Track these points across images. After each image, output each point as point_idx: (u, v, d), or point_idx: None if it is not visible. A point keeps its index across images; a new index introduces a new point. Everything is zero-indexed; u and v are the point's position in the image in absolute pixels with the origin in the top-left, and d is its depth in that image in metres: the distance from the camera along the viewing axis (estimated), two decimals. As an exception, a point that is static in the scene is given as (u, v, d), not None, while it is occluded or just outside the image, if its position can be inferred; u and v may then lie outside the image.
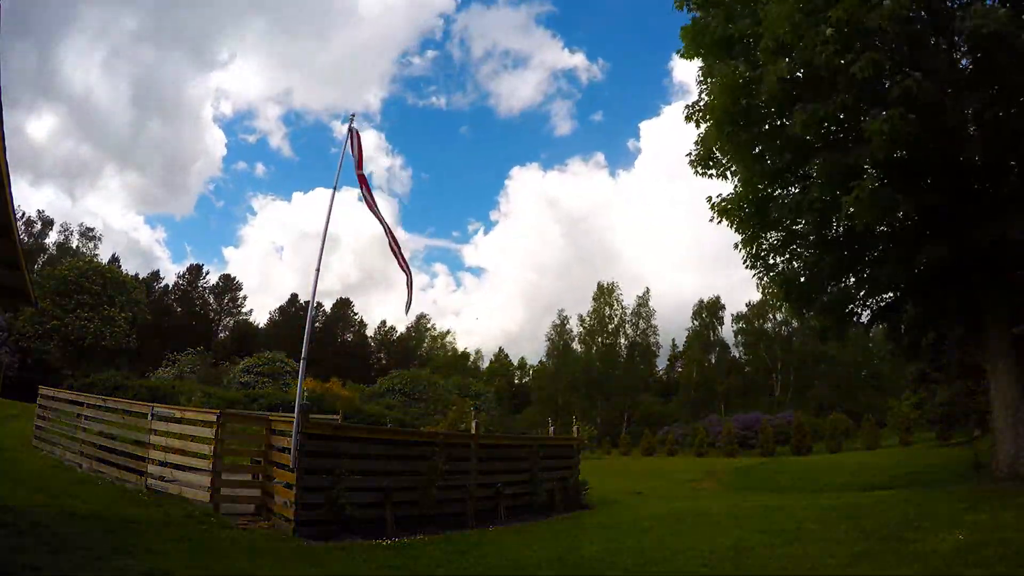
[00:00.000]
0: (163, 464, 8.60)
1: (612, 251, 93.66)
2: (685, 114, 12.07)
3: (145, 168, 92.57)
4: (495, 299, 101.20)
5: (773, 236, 12.34)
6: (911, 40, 9.22)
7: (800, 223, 11.63)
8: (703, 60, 11.81)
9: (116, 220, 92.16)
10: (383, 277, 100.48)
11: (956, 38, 9.61)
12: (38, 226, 53.82)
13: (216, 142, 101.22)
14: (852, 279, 12.35)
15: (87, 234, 56.27)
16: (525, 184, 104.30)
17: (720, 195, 12.14)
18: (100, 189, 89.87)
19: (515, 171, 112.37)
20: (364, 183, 9.15)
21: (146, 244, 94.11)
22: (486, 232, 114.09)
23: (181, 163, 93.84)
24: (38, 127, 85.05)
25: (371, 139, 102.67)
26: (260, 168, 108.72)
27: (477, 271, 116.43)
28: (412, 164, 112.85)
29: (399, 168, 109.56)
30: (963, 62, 10.03)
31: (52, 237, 54.84)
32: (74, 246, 54.16)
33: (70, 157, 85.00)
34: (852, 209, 8.90)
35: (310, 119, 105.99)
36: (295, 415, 7.46)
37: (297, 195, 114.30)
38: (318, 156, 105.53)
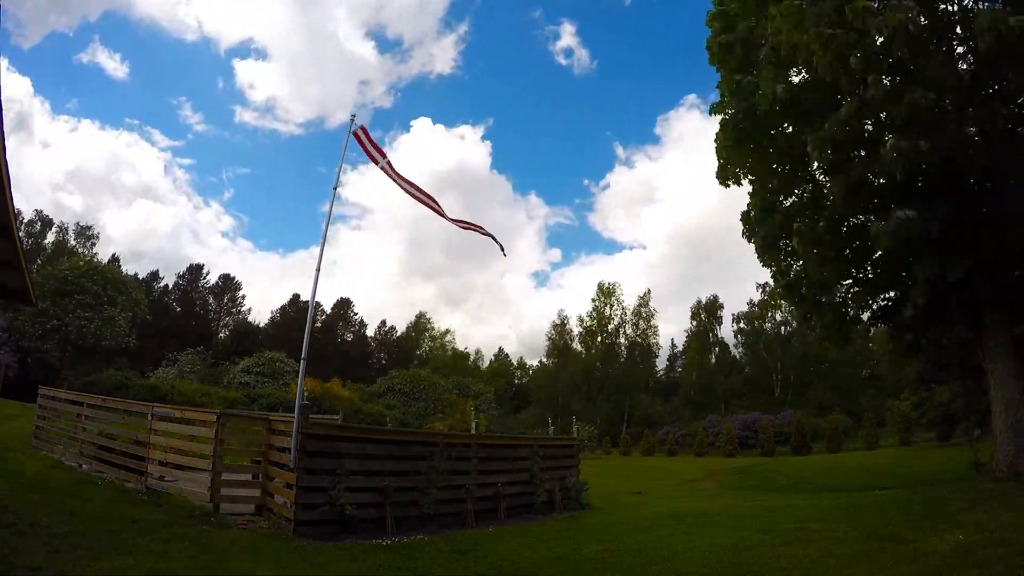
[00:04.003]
0: (163, 464, 8.61)
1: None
2: (710, 108, 12.39)
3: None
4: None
5: (789, 244, 12.44)
6: (914, 50, 9.24)
7: (817, 230, 11.73)
8: (722, 70, 11.98)
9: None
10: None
11: (958, 45, 9.65)
12: (37, 226, 53.67)
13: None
14: (853, 282, 12.37)
15: (83, 233, 56.19)
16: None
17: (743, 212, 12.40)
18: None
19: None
20: (390, 173, 9.07)
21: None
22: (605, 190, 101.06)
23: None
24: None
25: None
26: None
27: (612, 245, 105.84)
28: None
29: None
30: (964, 69, 10.06)
31: (50, 237, 54.74)
32: (71, 245, 54.04)
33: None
34: (881, 241, 9.09)
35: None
36: (295, 415, 7.45)
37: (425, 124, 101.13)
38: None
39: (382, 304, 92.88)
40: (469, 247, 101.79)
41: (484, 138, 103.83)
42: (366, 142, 9.06)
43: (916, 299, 10.37)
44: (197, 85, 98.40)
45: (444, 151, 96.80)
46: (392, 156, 9.25)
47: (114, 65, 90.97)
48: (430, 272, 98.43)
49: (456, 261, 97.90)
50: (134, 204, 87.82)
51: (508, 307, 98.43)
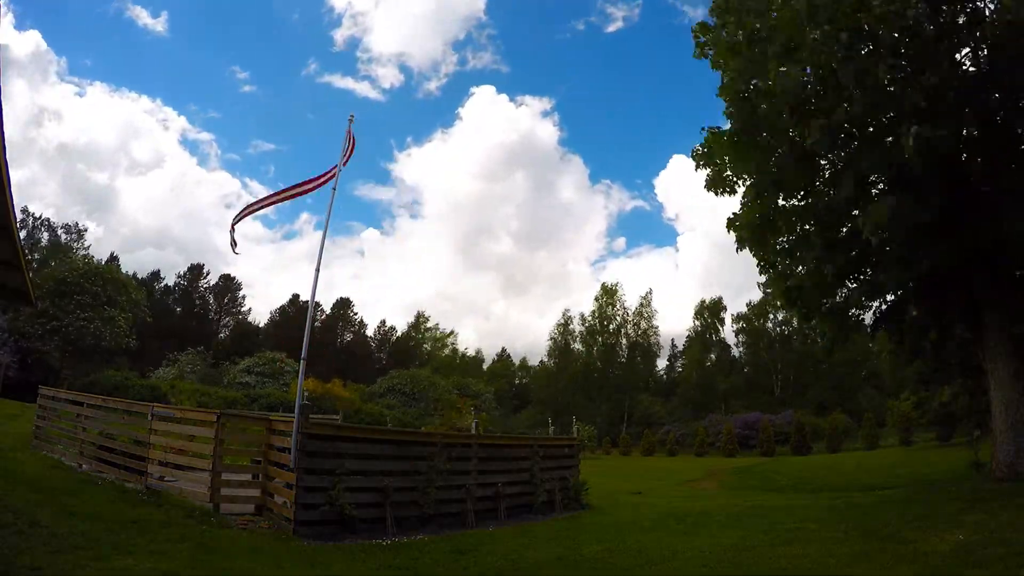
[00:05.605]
0: (163, 464, 8.61)
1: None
2: (693, 158, 12.30)
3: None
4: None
5: (781, 242, 12.38)
6: (917, 42, 9.23)
7: (808, 226, 11.67)
8: (717, 60, 11.89)
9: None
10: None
11: (956, 38, 9.63)
12: (29, 225, 53.35)
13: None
14: (855, 283, 12.36)
15: (71, 230, 55.89)
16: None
17: (734, 213, 12.28)
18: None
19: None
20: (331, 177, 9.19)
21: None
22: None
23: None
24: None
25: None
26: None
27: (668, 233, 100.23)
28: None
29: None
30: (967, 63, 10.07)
31: (45, 236, 54.50)
32: (63, 242, 53.74)
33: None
34: (874, 223, 9.02)
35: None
36: (295, 415, 7.45)
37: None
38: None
39: (429, 295, 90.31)
40: (543, 234, 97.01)
41: (554, 109, 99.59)
42: (347, 142, 9.35)
43: (888, 284, 10.33)
44: (255, 33, 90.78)
45: (512, 122, 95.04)
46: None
47: (146, 18, 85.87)
48: (491, 260, 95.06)
49: (522, 250, 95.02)
50: (158, 181, 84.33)
51: (566, 297, 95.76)
